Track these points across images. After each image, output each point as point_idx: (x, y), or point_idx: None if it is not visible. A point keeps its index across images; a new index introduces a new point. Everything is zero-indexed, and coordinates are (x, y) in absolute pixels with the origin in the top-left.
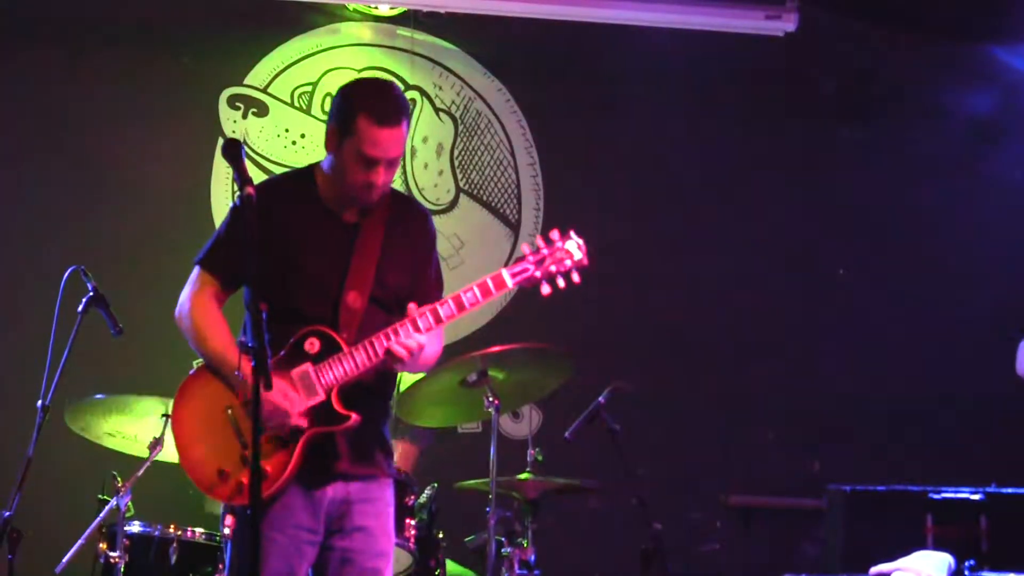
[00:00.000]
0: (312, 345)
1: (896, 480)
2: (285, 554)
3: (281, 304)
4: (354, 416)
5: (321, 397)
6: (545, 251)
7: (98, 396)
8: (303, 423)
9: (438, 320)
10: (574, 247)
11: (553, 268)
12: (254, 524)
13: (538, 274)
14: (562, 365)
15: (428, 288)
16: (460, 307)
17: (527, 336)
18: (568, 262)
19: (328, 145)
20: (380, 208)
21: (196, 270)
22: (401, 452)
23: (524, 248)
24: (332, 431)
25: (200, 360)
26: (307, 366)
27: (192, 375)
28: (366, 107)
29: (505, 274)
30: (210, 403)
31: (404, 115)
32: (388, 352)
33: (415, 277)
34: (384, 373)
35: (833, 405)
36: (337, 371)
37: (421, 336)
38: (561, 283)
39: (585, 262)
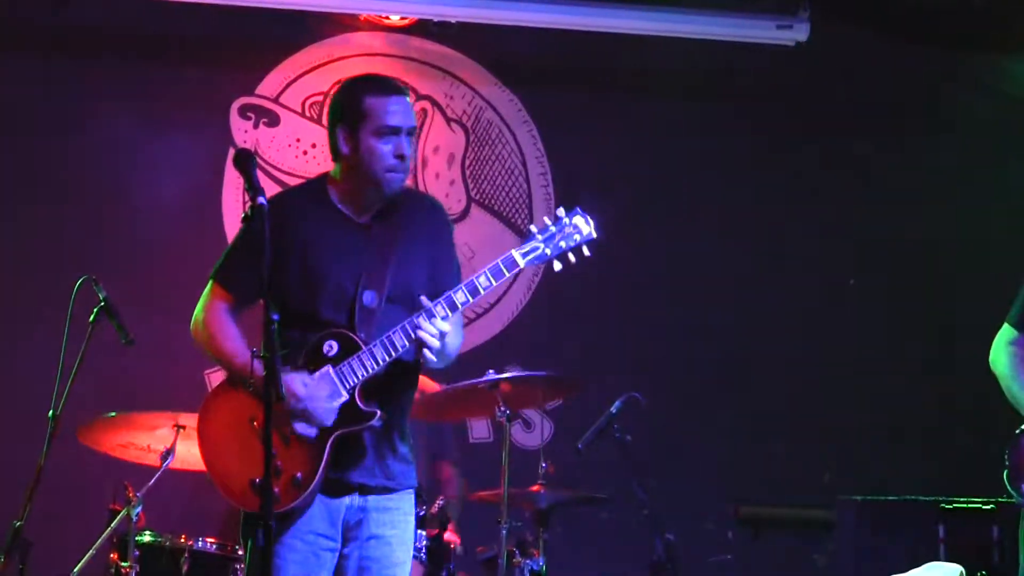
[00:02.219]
0: (331, 348)
1: (907, 490)
2: (304, 561)
3: (300, 311)
4: (378, 412)
5: (344, 397)
6: (553, 228)
7: (110, 414)
8: (331, 417)
9: (453, 307)
10: (582, 221)
11: (563, 244)
12: (266, 533)
13: (548, 251)
14: (571, 386)
15: (446, 280)
16: (474, 292)
17: (538, 346)
18: (577, 237)
19: (340, 149)
20: (393, 207)
21: (210, 284)
22: (443, 475)
23: (532, 228)
24: (358, 430)
25: (210, 370)
26: (327, 368)
27: (213, 391)
28: (367, 90)
29: (516, 254)
30: (234, 416)
31: (406, 90)
32: (417, 342)
33: (434, 270)
34: (403, 374)
35: (844, 415)
36: (358, 370)
37: (443, 323)
38: (572, 258)
39: (594, 234)
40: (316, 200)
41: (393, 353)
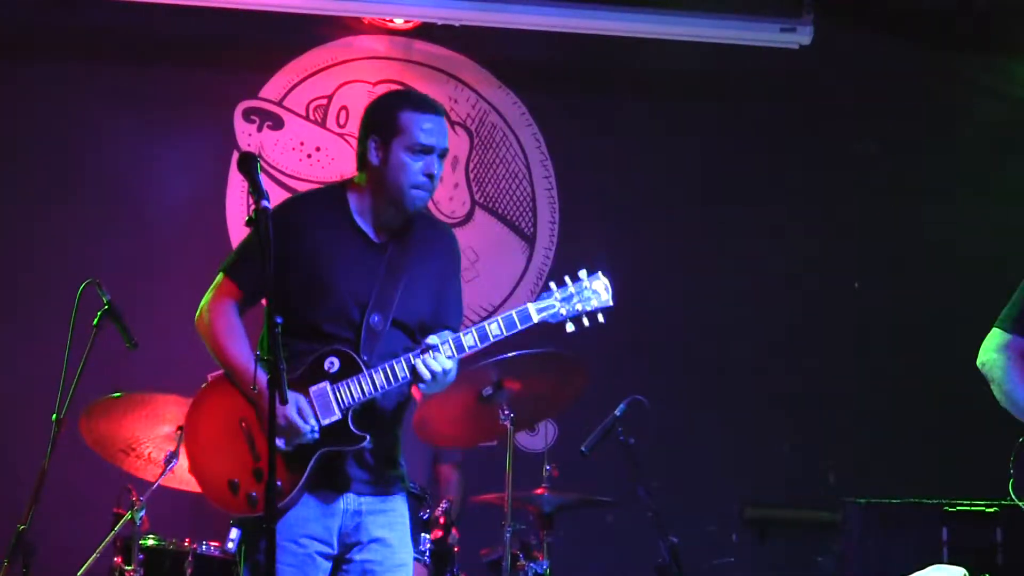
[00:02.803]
0: (332, 364)
1: (911, 493)
2: (300, 564)
3: (304, 321)
4: (368, 438)
5: (337, 416)
6: (572, 289)
7: (115, 394)
8: (313, 439)
9: (460, 350)
10: (601, 287)
11: (579, 307)
12: (269, 540)
13: (564, 312)
14: (576, 374)
15: (449, 312)
16: (484, 338)
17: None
18: (595, 302)
19: (370, 159)
20: (410, 230)
21: (220, 277)
22: (444, 478)
23: (551, 284)
24: (345, 450)
25: (214, 373)
26: (325, 384)
27: (206, 387)
28: (406, 103)
29: (532, 309)
30: (225, 415)
31: (443, 110)
32: (414, 371)
33: (438, 300)
34: (398, 398)
35: (849, 417)
36: (355, 391)
37: (447, 361)
38: (586, 322)
39: (611, 303)
40: (334, 209)
41: (393, 382)
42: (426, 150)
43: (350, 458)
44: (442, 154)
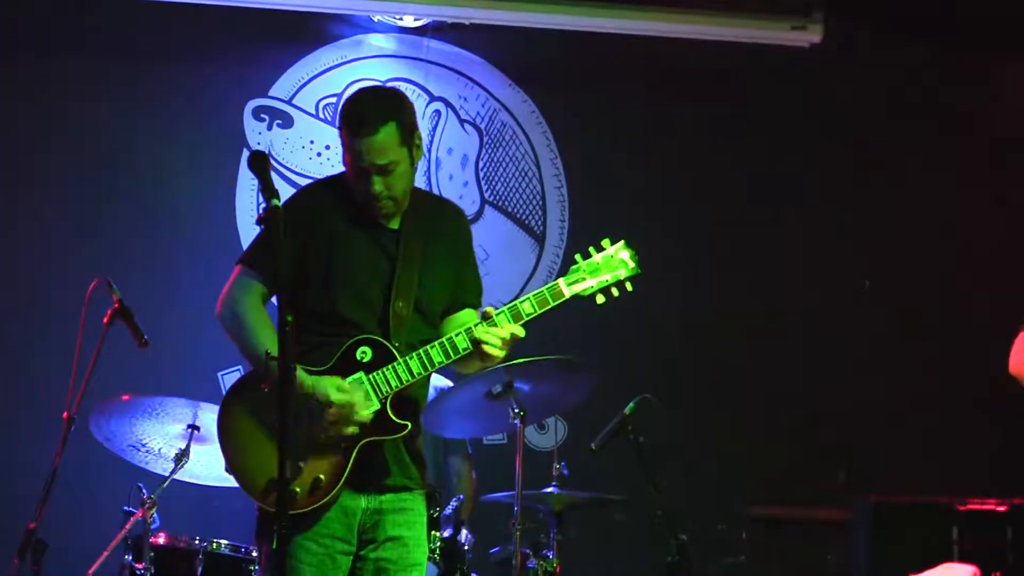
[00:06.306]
0: (364, 354)
1: (922, 491)
2: (320, 564)
3: (326, 310)
4: (410, 425)
5: (376, 406)
6: (599, 260)
7: (124, 396)
8: (362, 424)
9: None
10: (627, 255)
11: (608, 278)
12: (281, 537)
13: (593, 284)
14: (587, 377)
15: (468, 294)
16: (517, 317)
17: (553, 347)
18: (622, 272)
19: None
20: (418, 214)
21: (240, 269)
22: (465, 472)
23: (576, 257)
24: (385, 440)
25: (224, 371)
26: (360, 375)
27: (238, 383)
28: (343, 119)
29: (562, 284)
30: (261, 411)
31: (381, 121)
32: (481, 344)
33: (456, 283)
34: (422, 388)
35: (859, 416)
36: (392, 380)
37: (518, 328)
38: (615, 292)
39: (639, 271)
40: (342, 199)
41: (430, 367)
42: (361, 171)
43: (379, 453)
44: (380, 170)
